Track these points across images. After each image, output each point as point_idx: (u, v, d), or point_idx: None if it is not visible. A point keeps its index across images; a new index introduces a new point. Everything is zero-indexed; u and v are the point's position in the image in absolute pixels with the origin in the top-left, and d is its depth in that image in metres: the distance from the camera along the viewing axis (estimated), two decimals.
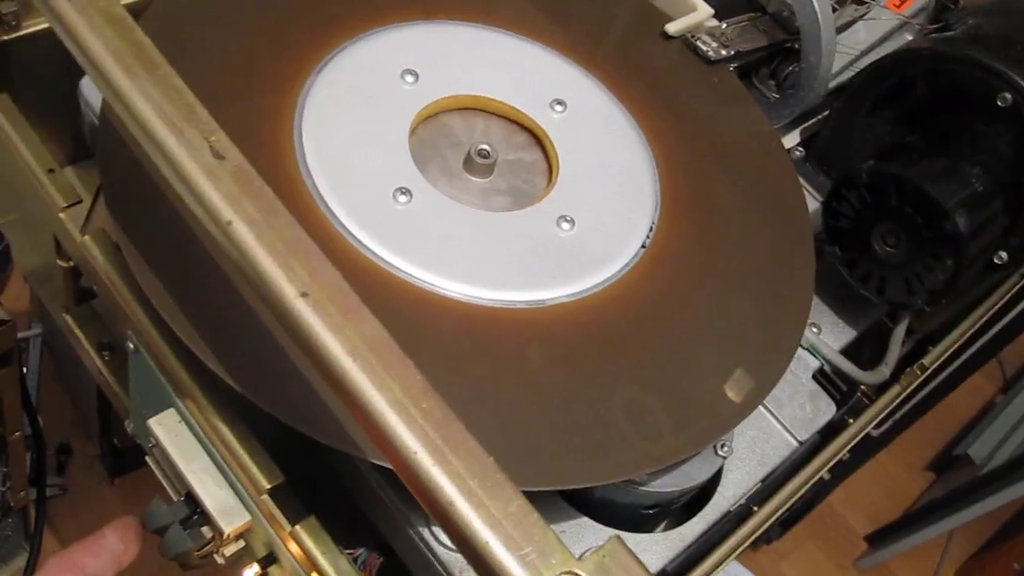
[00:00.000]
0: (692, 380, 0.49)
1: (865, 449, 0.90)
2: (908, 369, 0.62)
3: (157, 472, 0.50)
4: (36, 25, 0.55)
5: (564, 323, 0.49)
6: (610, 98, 0.59)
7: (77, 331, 0.57)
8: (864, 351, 0.68)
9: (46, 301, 0.61)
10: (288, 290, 0.35)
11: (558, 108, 0.58)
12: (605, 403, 0.47)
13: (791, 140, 0.71)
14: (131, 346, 0.49)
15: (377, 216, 0.49)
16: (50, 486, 1.10)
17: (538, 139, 0.57)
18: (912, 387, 0.61)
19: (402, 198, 0.51)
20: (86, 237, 0.50)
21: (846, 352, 0.64)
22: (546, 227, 0.53)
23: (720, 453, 0.53)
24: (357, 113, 0.52)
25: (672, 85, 0.62)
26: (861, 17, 0.67)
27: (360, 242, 0.48)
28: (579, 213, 0.53)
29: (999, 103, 0.59)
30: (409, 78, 0.55)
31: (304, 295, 0.35)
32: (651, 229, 0.54)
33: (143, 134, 0.37)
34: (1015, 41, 0.61)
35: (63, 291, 0.56)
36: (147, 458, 0.51)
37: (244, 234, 0.35)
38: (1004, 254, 0.62)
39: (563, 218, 0.53)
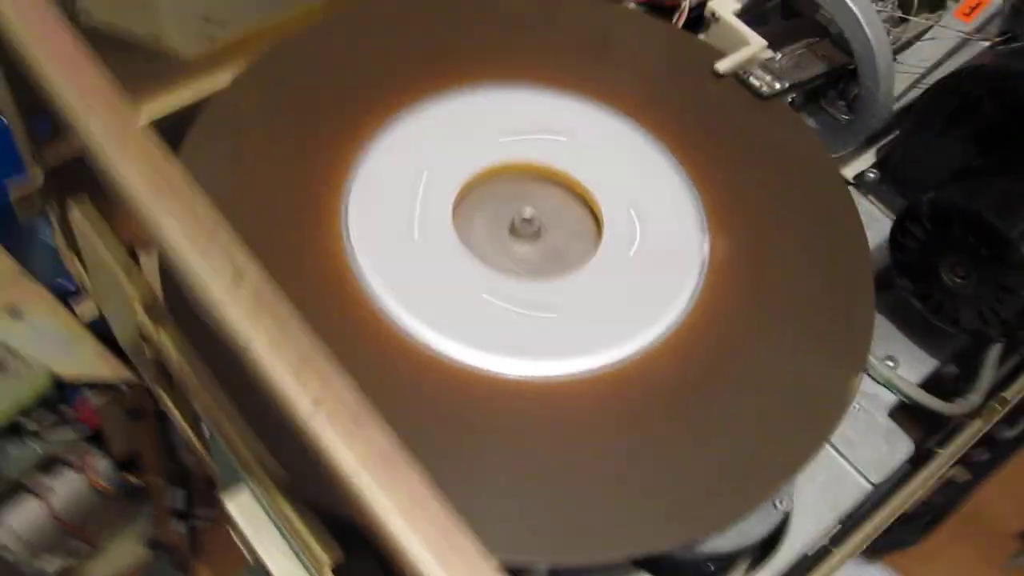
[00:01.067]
0: (739, 442, 0.49)
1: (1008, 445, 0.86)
2: (989, 403, 0.59)
3: (238, 541, 0.54)
4: None
5: (615, 389, 0.50)
6: (654, 145, 0.59)
7: (170, 405, 0.62)
8: (962, 376, 0.65)
9: (144, 373, 0.65)
10: (301, 405, 0.38)
11: (602, 165, 0.58)
12: (662, 469, 0.48)
13: (865, 161, 0.69)
14: (206, 428, 0.53)
15: (432, 304, 0.51)
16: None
17: (583, 198, 0.58)
18: (996, 421, 0.58)
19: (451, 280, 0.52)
20: (161, 332, 0.53)
21: (932, 380, 0.62)
22: (592, 289, 0.53)
23: (779, 507, 0.53)
24: (398, 194, 0.54)
25: (723, 128, 0.61)
26: (919, 36, 0.64)
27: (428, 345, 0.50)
28: (622, 276, 0.54)
29: None
30: (451, 150, 0.57)
31: (316, 407, 0.37)
32: (696, 289, 0.54)
33: (170, 257, 0.41)
34: None
35: (153, 372, 0.60)
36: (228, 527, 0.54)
37: (259, 356, 0.38)
38: None
39: (610, 277, 0.54)
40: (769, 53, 0.64)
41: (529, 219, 0.56)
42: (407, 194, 0.55)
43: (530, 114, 0.59)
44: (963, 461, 0.62)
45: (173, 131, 0.55)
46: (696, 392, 0.51)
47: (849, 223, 0.58)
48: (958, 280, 0.57)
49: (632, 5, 0.70)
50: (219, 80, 0.62)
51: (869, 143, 0.69)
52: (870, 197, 0.68)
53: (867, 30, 0.60)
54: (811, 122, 0.69)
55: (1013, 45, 0.60)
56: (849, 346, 0.53)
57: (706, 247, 0.56)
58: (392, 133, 0.57)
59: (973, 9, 0.65)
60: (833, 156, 0.66)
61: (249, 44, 0.64)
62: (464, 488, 0.46)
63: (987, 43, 0.63)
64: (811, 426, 0.50)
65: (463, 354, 0.50)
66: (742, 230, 0.57)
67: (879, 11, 0.62)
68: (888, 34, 0.62)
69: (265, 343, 0.39)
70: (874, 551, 0.94)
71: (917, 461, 0.60)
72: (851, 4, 0.60)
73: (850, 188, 0.69)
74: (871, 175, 0.68)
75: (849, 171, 0.69)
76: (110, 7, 0.61)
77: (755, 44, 0.64)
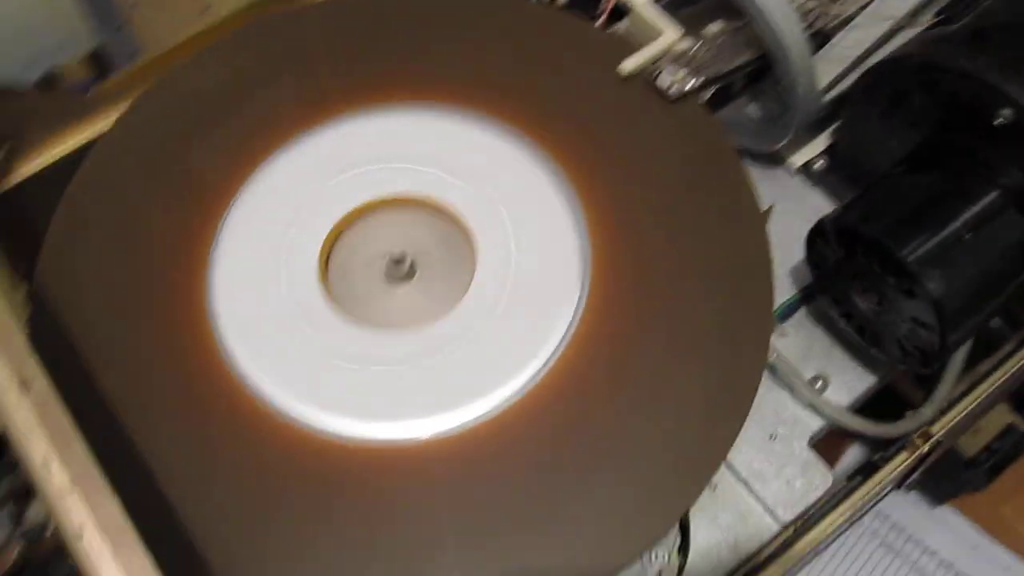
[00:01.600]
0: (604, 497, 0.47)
1: None
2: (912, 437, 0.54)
3: None
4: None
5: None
6: (544, 166, 0.55)
7: None
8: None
9: None
10: (68, 527, 0.38)
11: (479, 188, 0.55)
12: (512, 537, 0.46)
13: (813, 150, 0.62)
14: None
15: (275, 357, 0.50)
16: None
17: (459, 225, 0.55)
18: (924, 457, 0.53)
19: (307, 332, 0.51)
20: None
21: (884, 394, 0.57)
22: (460, 335, 0.51)
23: (654, 561, 0.50)
24: (264, 250, 0.53)
25: (624, 140, 0.56)
26: (847, 21, 0.56)
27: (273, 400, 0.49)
28: (492, 322, 0.51)
29: (997, 122, 0.48)
30: (319, 193, 0.55)
31: (80, 530, 0.38)
32: (568, 336, 0.51)
33: None
34: (1020, 32, 0.49)
35: None
36: None
37: (33, 471, 0.39)
38: None
39: (474, 325, 0.51)
40: (686, 43, 0.58)
41: (400, 259, 0.54)
42: (272, 250, 0.53)
43: (400, 140, 0.56)
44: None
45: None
46: (554, 452, 0.48)
47: (758, 272, 0.52)
48: (874, 306, 0.52)
49: None
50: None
51: (819, 128, 0.62)
52: (819, 188, 0.62)
53: (772, 21, 0.53)
54: (752, 108, 0.63)
55: (943, 29, 0.52)
56: (731, 409, 0.49)
57: (586, 287, 0.52)
58: (257, 182, 0.55)
59: None
60: (774, 146, 0.60)
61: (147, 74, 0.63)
62: (321, 552, 0.45)
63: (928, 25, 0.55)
64: (671, 495, 0.47)
65: (317, 418, 0.49)
66: (629, 269, 0.52)
67: None
68: (809, 19, 0.55)
69: (39, 459, 0.40)
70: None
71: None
72: None
73: (798, 177, 0.63)
74: (820, 163, 0.62)
75: (798, 158, 0.63)
76: None
77: (668, 36, 0.58)
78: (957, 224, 0.49)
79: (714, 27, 0.59)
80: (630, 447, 0.47)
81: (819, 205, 0.62)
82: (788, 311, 0.58)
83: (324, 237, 0.53)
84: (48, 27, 0.75)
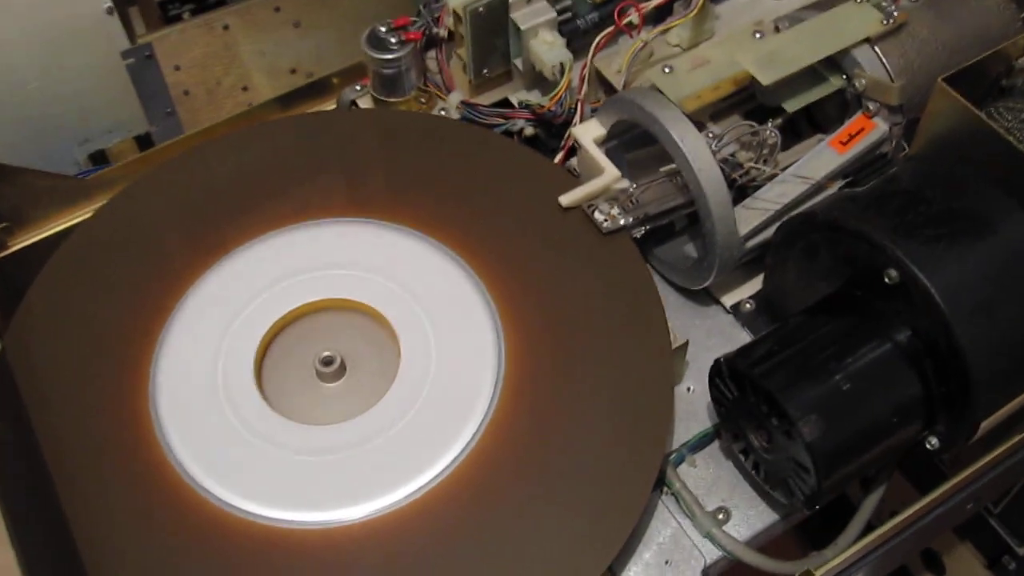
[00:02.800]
0: None
1: None
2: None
3: None
4: None
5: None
6: (471, 281, 0.60)
7: None
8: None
9: None
10: None
11: (406, 296, 0.59)
12: None
13: (741, 293, 0.66)
14: None
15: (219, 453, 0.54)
16: None
17: (386, 328, 0.59)
18: None
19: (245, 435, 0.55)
20: None
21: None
22: (382, 428, 0.55)
23: None
24: (203, 361, 0.57)
25: (555, 265, 0.60)
26: (772, 178, 0.60)
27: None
28: (410, 416, 0.55)
29: (886, 280, 0.51)
30: (259, 296, 0.59)
31: None
32: (479, 432, 0.54)
33: None
34: (920, 199, 0.53)
35: None
36: None
37: None
38: (934, 439, 0.54)
39: (393, 423, 0.55)
40: (624, 184, 0.63)
41: (329, 360, 0.58)
42: (211, 353, 0.57)
43: (335, 249, 0.61)
44: None
45: None
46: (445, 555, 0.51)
47: (659, 407, 0.56)
48: (765, 444, 0.54)
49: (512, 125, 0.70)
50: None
51: (750, 272, 0.65)
52: (746, 329, 0.65)
53: (698, 173, 0.57)
54: (690, 248, 0.67)
55: (848, 191, 0.56)
56: (612, 532, 0.52)
57: (498, 388, 0.56)
58: (200, 290, 0.60)
59: (851, 138, 0.61)
60: (699, 286, 0.64)
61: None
62: None
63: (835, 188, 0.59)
64: None
65: (249, 506, 0.53)
66: (539, 383, 0.56)
67: (720, 148, 0.59)
68: (732, 175, 0.59)
69: None
70: None
71: None
72: (681, 145, 0.57)
73: (730, 317, 0.66)
74: (748, 306, 0.65)
75: (729, 299, 0.66)
76: None
77: (607, 175, 0.63)
78: (841, 373, 0.51)
79: (652, 172, 0.64)
80: (522, 545, 0.51)
81: (746, 342, 0.65)
82: (701, 443, 0.61)
83: (259, 340, 0.58)
84: (104, 111, 0.82)
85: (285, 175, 0.64)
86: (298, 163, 0.64)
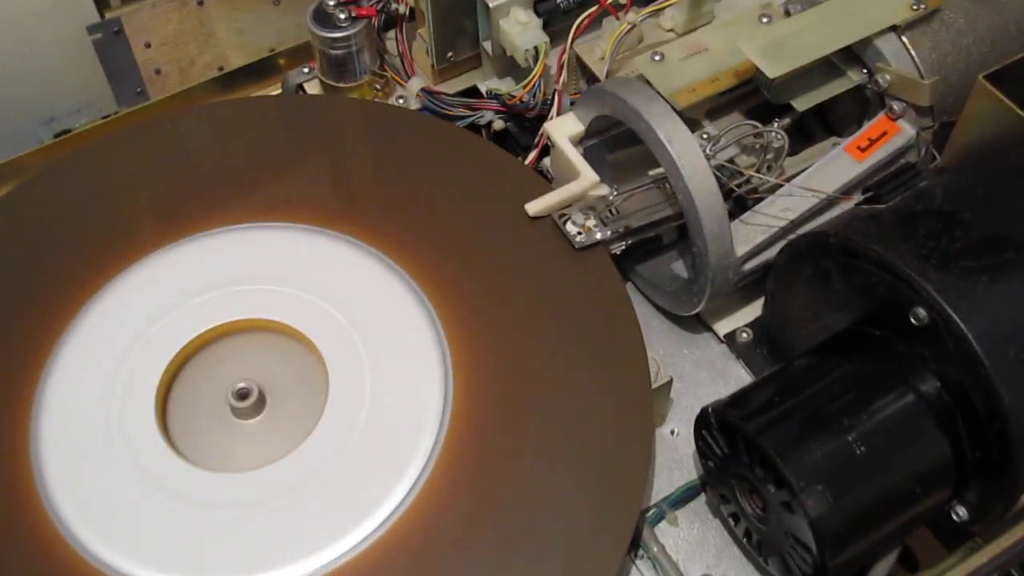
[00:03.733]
0: None
1: None
2: None
3: None
4: None
5: None
6: (415, 298, 0.50)
7: None
8: None
9: None
10: None
11: (335, 314, 0.50)
12: None
13: (737, 320, 0.57)
14: None
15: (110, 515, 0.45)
16: None
17: (314, 353, 0.50)
18: None
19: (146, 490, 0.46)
20: None
21: None
22: (308, 474, 0.46)
23: None
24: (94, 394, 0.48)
25: (512, 280, 0.51)
26: (774, 189, 0.51)
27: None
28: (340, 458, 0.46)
29: (912, 320, 0.42)
30: (159, 321, 0.50)
31: None
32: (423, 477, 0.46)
33: None
34: (956, 221, 0.44)
35: None
36: None
37: None
38: (962, 510, 0.45)
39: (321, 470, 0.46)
40: (603, 190, 0.53)
41: (245, 393, 0.49)
42: (103, 391, 0.48)
43: (250, 262, 0.52)
44: None
45: None
46: None
47: (638, 437, 0.47)
48: (759, 511, 0.45)
49: (490, 116, 0.61)
50: None
51: (748, 296, 0.56)
52: (742, 362, 0.56)
53: (687, 181, 0.48)
54: (679, 266, 0.58)
55: (868, 208, 0.47)
56: None
57: (444, 427, 0.47)
58: (85, 320, 0.50)
59: (872, 143, 0.52)
60: (687, 312, 0.55)
61: None
62: None
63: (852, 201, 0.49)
64: None
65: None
66: (493, 418, 0.47)
67: (716, 152, 0.50)
68: (729, 183, 0.50)
69: None
70: None
71: None
72: (668, 146, 0.48)
73: (723, 346, 0.57)
74: (744, 335, 0.56)
75: (723, 326, 0.57)
76: None
77: (583, 180, 0.53)
78: (854, 432, 0.42)
79: (637, 177, 0.54)
80: None
81: (740, 379, 0.56)
82: (685, 497, 0.52)
83: (162, 370, 0.49)
84: (72, 90, 0.76)
85: (201, 172, 0.55)
86: (218, 158, 0.55)
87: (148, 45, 0.76)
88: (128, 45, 0.76)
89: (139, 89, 0.77)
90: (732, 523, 0.48)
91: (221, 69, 0.79)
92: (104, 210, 0.54)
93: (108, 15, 0.73)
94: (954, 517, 0.45)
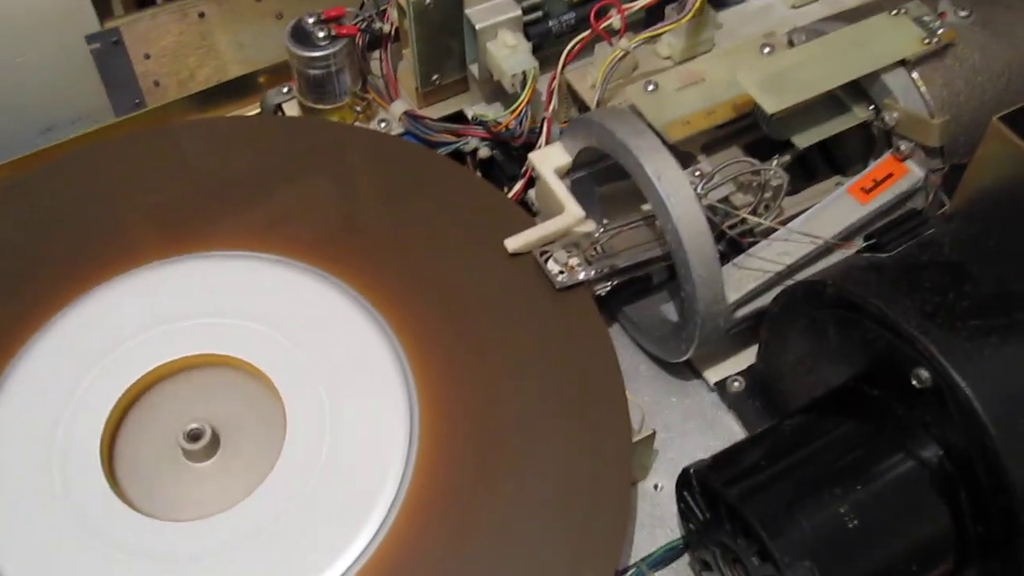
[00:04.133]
0: None
1: None
2: None
3: None
4: None
5: None
6: (380, 332, 0.47)
7: None
8: None
9: None
10: None
11: (290, 345, 0.47)
12: None
13: (729, 368, 0.53)
14: None
15: None
16: None
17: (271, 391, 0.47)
18: None
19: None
20: None
21: None
22: (264, 522, 0.43)
23: None
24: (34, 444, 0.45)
25: (487, 321, 0.48)
26: (769, 233, 0.47)
27: None
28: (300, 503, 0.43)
29: (914, 382, 0.39)
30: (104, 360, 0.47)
31: None
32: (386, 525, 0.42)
33: None
34: (965, 275, 0.40)
35: None
36: None
37: None
38: None
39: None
40: (589, 226, 0.50)
41: (197, 434, 0.45)
42: (44, 443, 0.45)
43: (203, 293, 0.48)
44: None
45: None
46: None
47: (616, 493, 0.43)
48: None
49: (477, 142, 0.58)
50: None
51: (742, 343, 0.53)
52: (733, 413, 0.52)
53: (676, 221, 0.45)
54: (668, 308, 0.54)
55: (870, 257, 0.43)
56: None
57: (408, 476, 0.44)
58: (26, 356, 0.47)
59: (876, 185, 0.48)
60: (675, 359, 0.51)
61: None
62: None
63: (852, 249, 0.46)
64: None
65: None
66: (461, 467, 0.44)
67: (709, 190, 0.46)
68: (723, 224, 0.46)
69: None
70: None
71: None
72: (656, 183, 0.45)
73: (713, 395, 0.53)
74: (736, 384, 0.52)
75: (713, 374, 0.53)
76: None
77: (568, 215, 0.50)
78: (847, 503, 0.38)
79: (626, 212, 0.51)
80: None
81: (731, 431, 0.52)
82: (667, 557, 0.48)
83: (109, 410, 0.45)
84: (70, 99, 0.74)
85: (160, 196, 0.51)
86: (179, 182, 0.52)
87: (147, 56, 0.74)
88: (127, 56, 0.74)
89: (137, 100, 0.75)
90: None
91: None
92: (57, 234, 0.51)
93: (108, 25, 0.72)
94: None
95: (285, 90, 0.62)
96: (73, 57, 0.72)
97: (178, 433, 0.46)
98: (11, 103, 0.71)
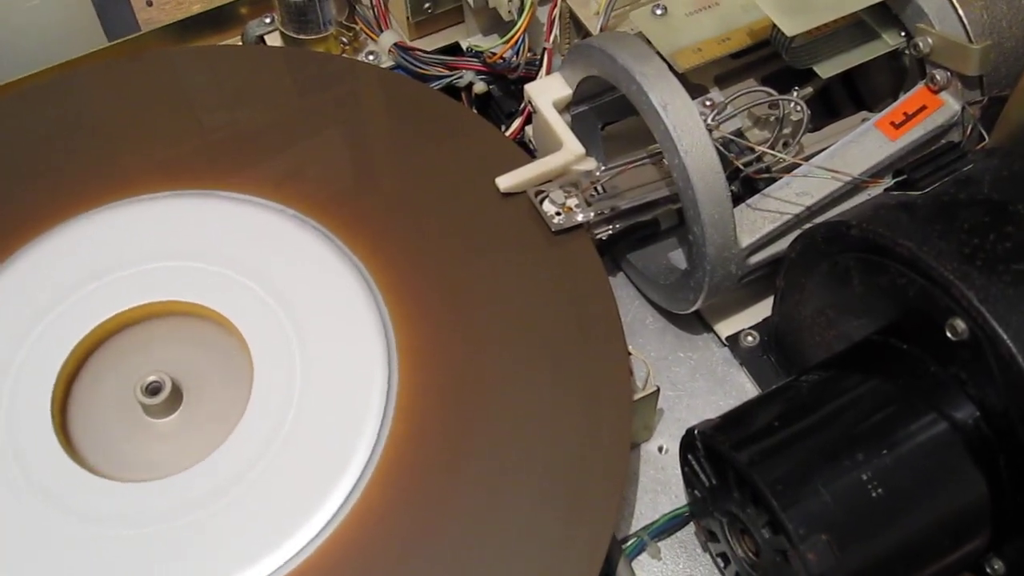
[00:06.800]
0: None
1: None
2: None
3: None
4: None
5: None
6: (359, 278, 0.43)
7: None
8: None
9: None
10: None
11: (259, 291, 0.43)
12: None
13: (742, 321, 0.49)
14: None
15: None
16: None
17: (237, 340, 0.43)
18: None
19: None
20: None
21: None
22: (230, 480, 0.39)
23: None
24: None
25: (482, 270, 0.44)
26: (789, 170, 0.43)
27: None
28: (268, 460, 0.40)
29: (948, 334, 0.34)
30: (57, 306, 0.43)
31: None
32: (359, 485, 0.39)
33: None
34: (1006, 216, 0.36)
35: None
36: None
37: None
38: (999, 565, 0.37)
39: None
40: (589, 164, 0.46)
41: (157, 387, 0.42)
42: None
43: (157, 236, 0.44)
44: None
45: None
46: None
47: (615, 455, 0.39)
48: (751, 555, 0.37)
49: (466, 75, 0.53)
50: None
51: (755, 294, 0.49)
52: (746, 370, 0.48)
53: (683, 156, 0.40)
54: (677, 256, 0.50)
55: (900, 195, 0.39)
56: None
57: (385, 432, 0.40)
58: None
59: (908, 119, 0.43)
60: (682, 310, 0.47)
61: None
62: None
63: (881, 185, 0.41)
64: None
65: None
66: (444, 424, 0.40)
67: (720, 122, 0.42)
68: (736, 161, 0.42)
69: None
70: None
71: None
72: (662, 113, 0.40)
73: (725, 350, 0.49)
74: (750, 339, 0.48)
75: (725, 328, 0.49)
76: None
77: (566, 152, 0.46)
78: (870, 470, 0.34)
79: (632, 151, 0.47)
80: None
81: (743, 389, 0.48)
82: (671, 526, 0.44)
83: (60, 365, 0.42)
84: (64, 30, 0.70)
85: (122, 129, 0.47)
86: (144, 113, 0.48)
87: (150, 3, 0.70)
88: (129, 4, 0.68)
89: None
90: (720, 565, 0.41)
91: None
92: (12, 168, 0.47)
93: None
94: (989, 573, 0.38)
95: (268, 20, 0.57)
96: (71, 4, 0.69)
97: (135, 386, 0.42)
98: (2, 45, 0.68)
